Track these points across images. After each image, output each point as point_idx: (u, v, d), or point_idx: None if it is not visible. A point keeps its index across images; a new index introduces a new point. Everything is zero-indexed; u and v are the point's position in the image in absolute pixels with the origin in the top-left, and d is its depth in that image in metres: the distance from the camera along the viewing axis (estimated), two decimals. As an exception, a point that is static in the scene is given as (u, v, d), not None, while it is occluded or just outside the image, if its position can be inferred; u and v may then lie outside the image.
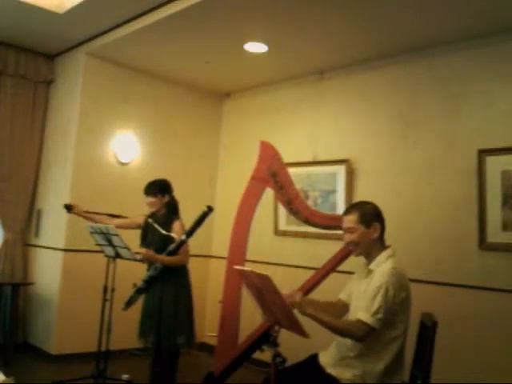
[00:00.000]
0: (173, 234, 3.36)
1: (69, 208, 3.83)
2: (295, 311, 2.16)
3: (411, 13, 3.44)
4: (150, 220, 3.51)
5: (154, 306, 3.39)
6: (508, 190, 3.40)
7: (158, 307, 3.37)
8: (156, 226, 3.43)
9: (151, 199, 3.57)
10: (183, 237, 3.27)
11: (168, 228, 3.43)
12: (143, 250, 3.35)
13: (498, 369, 3.29)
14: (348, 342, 2.27)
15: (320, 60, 4.47)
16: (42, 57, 5.05)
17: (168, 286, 3.38)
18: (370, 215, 2.37)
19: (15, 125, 4.89)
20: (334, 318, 2.29)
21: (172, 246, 3.26)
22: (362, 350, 2.22)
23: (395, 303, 2.19)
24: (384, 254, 2.34)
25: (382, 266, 2.28)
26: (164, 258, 3.29)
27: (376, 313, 2.14)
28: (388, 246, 2.40)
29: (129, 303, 3.40)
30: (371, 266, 2.34)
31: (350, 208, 2.48)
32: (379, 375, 2.20)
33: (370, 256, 2.39)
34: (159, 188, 3.59)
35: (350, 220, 2.38)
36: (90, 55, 4.74)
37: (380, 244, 2.39)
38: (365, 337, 2.16)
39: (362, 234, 2.35)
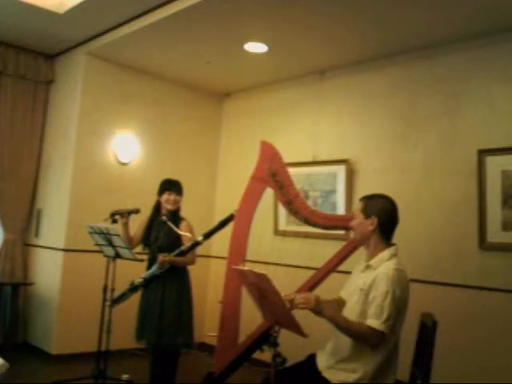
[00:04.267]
0: (187, 234, 3.37)
1: (134, 212, 3.63)
2: (296, 311, 2.15)
3: (411, 13, 3.44)
4: (164, 217, 3.48)
5: (155, 306, 3.39)
6: (508, 190, 3.40)
7: (159, 307, 3.37)
8: (170, 223, 3.41)
9: (176, 197, 3.56)
10: (200, 238, 3.27)
11: (176, 227, 3.44)
12: (160, 256, 3.29)
13: (497, 369, 3.29)
14: (342, 345, 2.26)
15: (320, 60, 4.47)
16: (42, 57, 5.05)
17: (171, 286, 3.39)
18: (372, 207, 2.39)
19: (15, 125, 4.89)
20: (348, 321, 2.25)
21: (184, 247, 3.27)
22: (356, 351, 2.22)
23: (400, 305, 2.19)
24: (387, 252, 2.32)
25: (385, 264, 2.27)
26: (180, 259, 3.31)
27: (387, 319, 2.14)
28: (393, 245, 2.39)
29: (117, 301, 3.38)
30: (371, 262, 2.33)
31: (365, 196, 2.52)
32: (372, 375, 2.20)
33: (369, 248, 2.39)
34: (181, 188, 3.60)
35: (358, 206, 2.48)
36: (90, 55, 4.74)
37: (383, 240, 2.37)
38: (378, 344, 2.17)
39: (360, 222, 2.41)
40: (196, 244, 3.26)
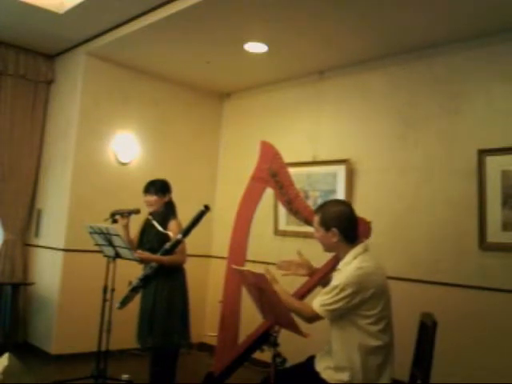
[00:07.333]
0: (169, 233, 3.38)
1: (135, 212, 3.66)
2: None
3: (411, 13, 3.44)
4: (150, 217, 3.54)
5: (148, 307, 3.41)
6: (508, 190, 3.40)
7: (151, 308, 3.38)
8: (155, 223, 3.46)
9: (151, 198, 3.56)
10: (179, 236, 3.28)
11: (164, 227, 3.44)
12: (138, 252, 3.35)
13: (497, 369, 3.29)
14: (337, 346, 2.27)
15: (320, 60, 4.47)
16: (42, 57, 5.05)
17: (162, 287, 3.39)
18: (329, 220, 2.37)
19: (15, 125, 4.89)
20: (294, 299, 2.39)
21: (168, 245, 3.28)
22: (350, 352, 2.22)
23: (354, 304, 2.19)
24: (350, 255, 2.35)
25: (349, 266, 2.30)
26: (160, 257, 3.29)
27: (325, 305, 2.22)
28: (357, 244, 2.38)
29: (124, 302, 3.39)
30: (339, 266, 2.39)
31: (318, 208, 2.51)
32: (367, 375, 2.20)
33: (339, 253, 2.44)
34: (160, 188, 3.58)
35: (315, 220, 2.45)
36: (90, 55, 4.74)
37: (347, 244, 2.38)
38: (311, 320, 2.26)
39: (322, 235, 2.42)
40: (177, 242, 3.27)
